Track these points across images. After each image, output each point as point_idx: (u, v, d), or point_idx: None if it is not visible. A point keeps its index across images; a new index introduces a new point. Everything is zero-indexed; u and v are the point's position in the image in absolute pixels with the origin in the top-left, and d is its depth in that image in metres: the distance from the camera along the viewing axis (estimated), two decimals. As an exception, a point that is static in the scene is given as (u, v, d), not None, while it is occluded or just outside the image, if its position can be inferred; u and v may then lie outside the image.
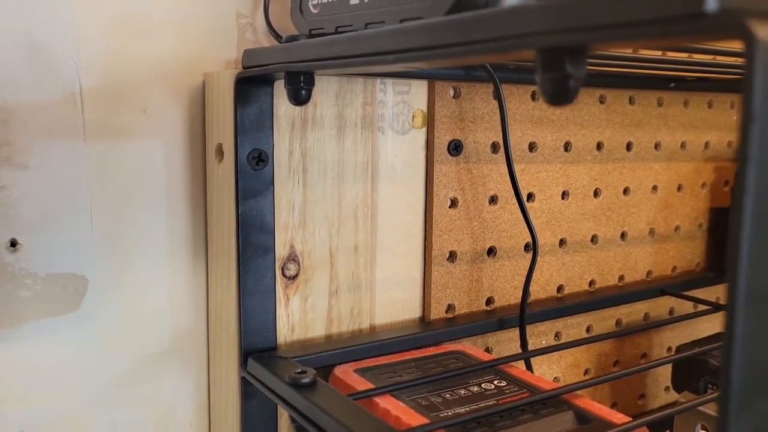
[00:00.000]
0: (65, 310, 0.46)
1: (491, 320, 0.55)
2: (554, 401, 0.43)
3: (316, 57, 0.35)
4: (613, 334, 0.58)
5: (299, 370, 0.41)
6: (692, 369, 0.59)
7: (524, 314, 0.54)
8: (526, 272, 0.56)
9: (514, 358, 0.49)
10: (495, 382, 0.46)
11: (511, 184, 0.54)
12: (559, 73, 0.23)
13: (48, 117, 0.44)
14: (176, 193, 0.49)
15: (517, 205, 0.57)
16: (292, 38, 0.40)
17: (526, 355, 0.51)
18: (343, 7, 0.39)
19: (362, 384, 0.44)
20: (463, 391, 0.44)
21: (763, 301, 0.19)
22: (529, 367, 0.54)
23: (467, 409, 0.41)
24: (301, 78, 0.39)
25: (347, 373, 0.45)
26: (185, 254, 0.50)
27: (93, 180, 0.46)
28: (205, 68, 0.49)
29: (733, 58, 0.50)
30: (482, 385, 0.45)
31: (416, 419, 0.39)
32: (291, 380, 0.40)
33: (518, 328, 0.55)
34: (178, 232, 0.49)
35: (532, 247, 0.56)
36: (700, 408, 0.56)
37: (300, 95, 0.39)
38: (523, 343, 0.54)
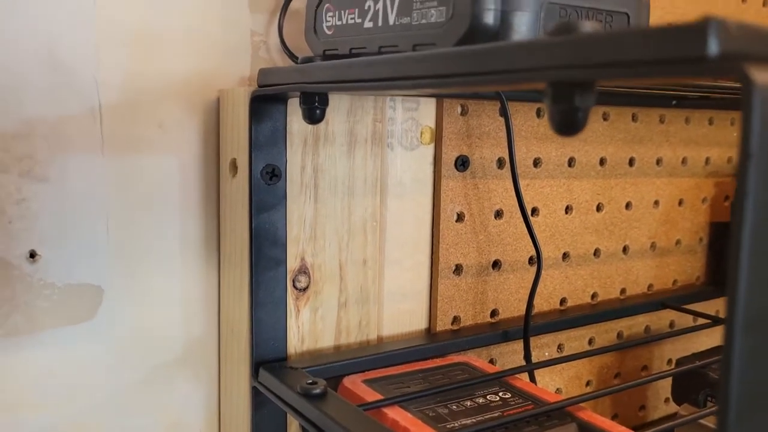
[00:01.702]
0: (81, 319, 0.47)
1: (496, 332, 0.56)
2: (558, 413, 0.44)
3: (332, 79, 0.36)
4: (615, 347, 0.60)
5: (310, 381, 0.42)
6: (692, 382, 0.60)
7: (528, 327, 0.55)
8: (531, 285, 0.57)
9: (519, 370, 0.50)
10: (500, 393, 0.47)
11: (516, 199, 0.55)
12: (568, 106, 0.24)
13: (67, 131, 0.45)
14: (190, 205, 0.50)
15: (521, 219, 0.58)
16: (307, 59, 0.41)
17: (531, 367, 0.52)
18: (357, 30, 0.40)
19: (371, 395, 0.45)
20: (469, 403, 0.45)
21: (762, 320, 0.20)
22: (532, 378, 0.55)
23: (473, 420, 0.42)
24: (316, 98, 0.40)
25: (356, 384, 0.47)
26: (198, 265, 0.51)
27: (110, 192, 0.47)
28: (220, 85, 0.51)
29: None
30: (488, 396, 0.46)
31: (425, 430, 0.40)
32: (302, 390, 0.42)
33: (522, 340, 0.56)
34: (192, 244, 0.51)
35: (536, 261, 0.57)
36: (700, 421, 0.57)
37: (315, 115, 0.41)
38: (527, 355, 0.55)
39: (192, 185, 0.50)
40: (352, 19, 0.41)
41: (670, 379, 0.64)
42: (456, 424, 0.41)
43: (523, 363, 0.56)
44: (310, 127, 0.48)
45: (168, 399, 0.51)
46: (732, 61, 0.18)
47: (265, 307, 0.47)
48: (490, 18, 0.32)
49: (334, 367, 0.48)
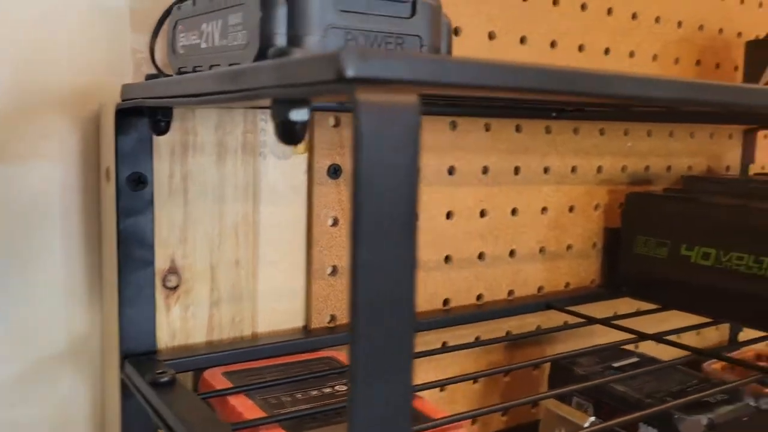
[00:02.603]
0: (-36, 316, 0.51)
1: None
2: (393, 401, 0.47)
3: (161, 95, 0.40)
4: (470, 345, 0.63)
5: (160, 371, 0.46)
6: (561, 378, 0.64)
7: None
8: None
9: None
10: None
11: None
12: (286, 119, 0.28)
13: (-51, 142, 0.49)
14: (72, 211, 0.54)
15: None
16: (152, 76, 0.45)
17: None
18: (197, 50, 0.44)
19: (224, 385, 0.49)
20: (314, 392, 0.49)
21: (377, 305, 0.24)
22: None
23: (308, 406, 0.46)
24: (159, 111, 0.44)
25: (215, 376, 0.50)
26: (82, 265, 0.55)
27: (-9, 198, 0.51)
28: (102, 99, 0.55)
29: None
30: (335, 387, 0.50)
31: (254, 413, 0.44)
32: (150, 380, 0.45)
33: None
34: (75, 245, 0.54)
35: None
36: (563, 415, 0.61)
37: (159, 127, 0.45)
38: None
39: (75, 192, 0.54)
40: (195, 39, 0.45)
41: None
42: (291, 409, 0.45)
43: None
44: (177, 137, 0.52)
45: (52, 393, 0.55)
46: (350, 83, 0.22)
47: (133, 304, 0.51)
48: (278, 41, 0.36)
49: (198, 360, 0.52)
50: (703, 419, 0.54)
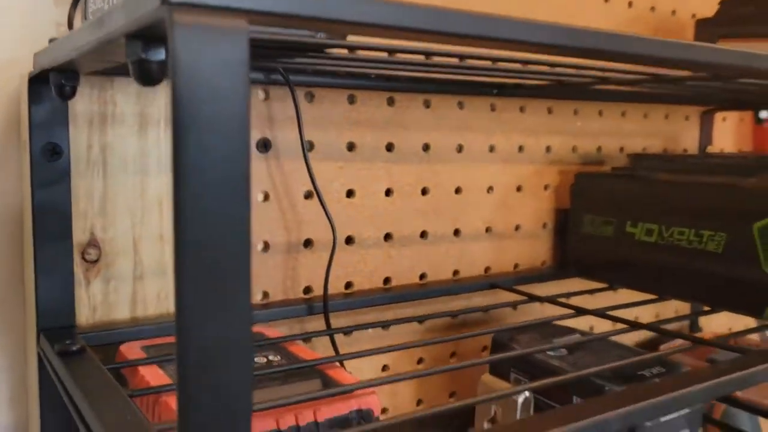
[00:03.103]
0: None
1: (298, 306, 0.59)
2: (309, 371, 0.47)
3: (56, 55, 0.39)
4: (409, 320, 0.62)
5: (69, 341, 0.45)
6: (498, 351, 0.63)
7: (327, 298, 0.58)
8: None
9: (295, 337, 0.53)
10: (270, 356, 0.49)
11: (320, 181, 0.58)
12: (139, 59, 0.27)
13: None
14: (-7, 184, 0.53)
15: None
16: (55, 40, 0.44)
17: (311, 335, 0.55)
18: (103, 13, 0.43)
19: (139, 357, 0.48)
20: (231, 364, 0.48)
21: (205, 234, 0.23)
22: (335, 347, 0.58)
23: (219, 376, 0.45)
24: (62, 75, 0.43)
25: (131, 348, 0.49)
26: (3, 240, 0.54)
27: None
28: (23, 72, 0.54)
29: (541, 66, 0.54)
30: (255, 359, 0.49)
31: (160, 379, 0.43)
32: (59, 350, 0.44)
33: (323, 315, 0.59)
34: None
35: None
36: (498, 389, 0.60)
37: (64, 91, 0.44)
38: (327, 324, 0.58)
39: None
40: (101, 3, 0.44)
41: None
42: (201, 380, 0.44)
43: (338, 338, 0.59)
44: (96, 107, 0.51)
45: (-26, 368, 0.54)
46: (169, 7, 0.22)
47: (49, 276, 0.50)
48: None
49: (118, 333, 0.51)
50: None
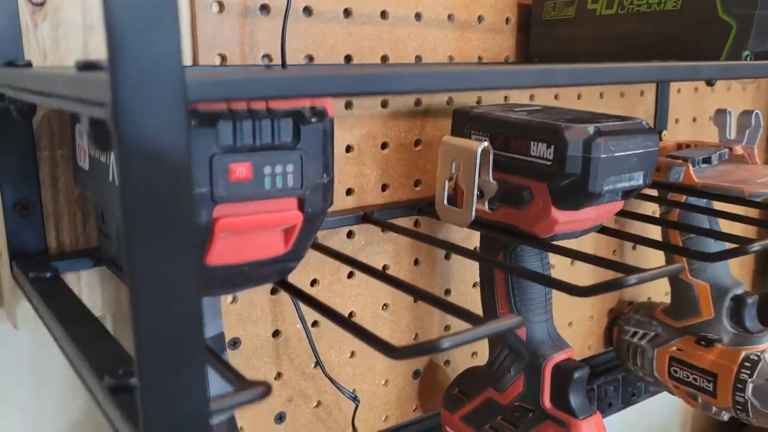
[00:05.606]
0: None
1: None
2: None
3: None
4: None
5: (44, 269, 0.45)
6: (460, 123, 0.64)
7: (285, 65, 0.58)
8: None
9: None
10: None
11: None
12: None
13: None
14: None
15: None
16: None
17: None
18: None
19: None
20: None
21: None
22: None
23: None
24: None
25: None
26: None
27: None
28: None
29: None
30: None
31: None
32: (34, 276, 0.44)
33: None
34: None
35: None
36: (457, 145, 0.61)
37: None
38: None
39: None
40: None
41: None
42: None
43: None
44: None
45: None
46: None
47: (-5, 14, 0.49)
48: None
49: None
50: (590, 127, 0.54)
